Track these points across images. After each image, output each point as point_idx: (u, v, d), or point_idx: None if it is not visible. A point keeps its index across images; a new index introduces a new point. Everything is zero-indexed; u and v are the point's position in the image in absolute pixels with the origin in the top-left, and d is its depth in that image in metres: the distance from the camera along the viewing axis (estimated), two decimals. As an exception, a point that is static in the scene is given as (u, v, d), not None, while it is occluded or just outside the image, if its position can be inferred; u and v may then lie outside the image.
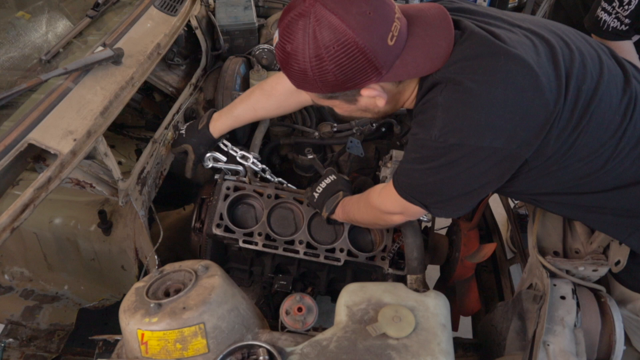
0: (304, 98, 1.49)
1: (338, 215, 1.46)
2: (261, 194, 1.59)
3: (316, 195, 1.50)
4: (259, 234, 1.54)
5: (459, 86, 1.00)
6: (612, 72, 1.12)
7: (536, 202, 1.29)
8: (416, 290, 1.16)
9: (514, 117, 0.99)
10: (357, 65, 0.99)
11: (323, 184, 1.50)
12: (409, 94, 1.14)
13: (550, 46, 1.06)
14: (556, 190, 1.18)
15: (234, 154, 1.65)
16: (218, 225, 1.53)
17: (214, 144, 1.63)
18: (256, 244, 1.53)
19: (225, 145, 1.65)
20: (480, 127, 0.99)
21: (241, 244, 1.53)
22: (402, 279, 1.50)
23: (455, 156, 1.02)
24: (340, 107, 1.16)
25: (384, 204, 1.25)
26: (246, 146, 1.75)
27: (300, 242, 1.53)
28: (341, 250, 1.53)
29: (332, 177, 1.51)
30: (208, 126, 1.60)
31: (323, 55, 0.98)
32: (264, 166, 1.68)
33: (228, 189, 1.58)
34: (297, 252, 1.54)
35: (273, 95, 1.53)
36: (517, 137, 1.01)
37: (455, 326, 1.65)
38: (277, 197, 1.59)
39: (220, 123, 1.60)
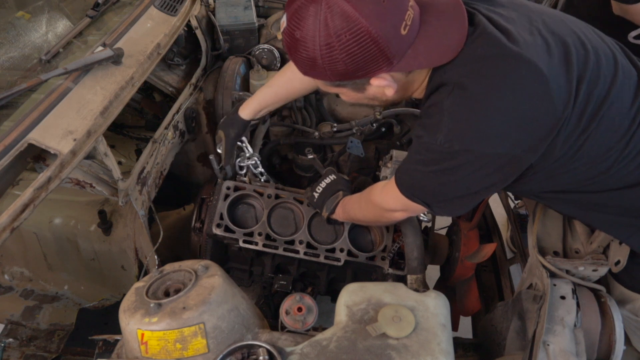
0: None
1: (338, 215, 1.46)
2: (261, 194, 1.59)
3: (316, 195, 1.50)
4: (259, 234, 1.53)
5: (466, 91, 0.98)
6: (626, 74, 1.10)
7: (539, 199, 1.29)
8: (416, 290, 1.16)
9: (521, 123, 0.98)
10: (369, 55, 0.97)
11: (323, 184, 1.50)
12: (419, 84, 1.12)
13: (565, 46, 1.04)
14: (560, 189, 1.18)
15: (245, 152, 1.65)
16: (218, 225, 1.53)
17: (244, 127, 1.61)
18: (256, 244, 1.53)
19: (242, 142, 1.65)
20: (485, 134, 0.98)
21: (241, 244, 1.53)
22: (402, 279, 1.50)
23: (459, 161, 1.02)
24: (347, 94, 1.14)
25: (386, 201, 1.25)
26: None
27: (300, 242, 1.53)
28: (341, 250, 1.53)
29: (332, 176, 1.51)
30: (237, 110, 1.60)
31: (334, 44, 0.95)
32: (261, 169, 1.68)
33: (228, 189, 1.58)
34: (297, 252, 1.53)
35: (296, 79, 1.50)
36: (523, 143, 1.00)
37: (455, 326, 1.65)
38: (277, 197, 1.59)
39: (248, 104, 1.59)
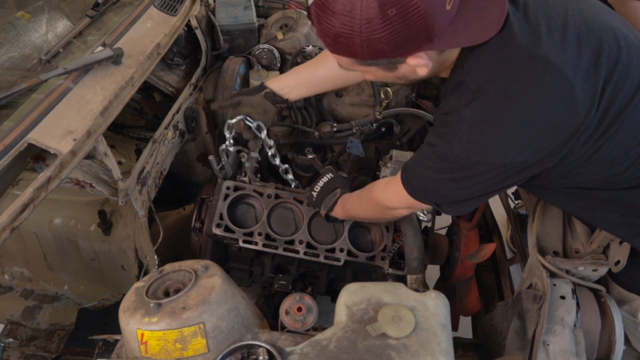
0: (354, 76, 1.44)
1: (337, 213, 1.46)
2: (261, 194, 1.59)
3: (314, 193, 1.50)
4: (259, 234, 1.53)
5: (487, 100, 0.95)
6: None
7: (546, 191, 1.26)
8: (416, 290, 1.16)
9: (542, 131, 0.96)
10: (413, 32, 0.87)
11: (321, 183, 1.50)
12: (450, 64, 1.05)
13: (598, 44, 0.98)
14: (571, 186, 1.17)
15: (250, 124, 1.62)
16: (218, 225, 1.53)
17: (258, 90, 1.58)
18: (256, 243, 1.53)
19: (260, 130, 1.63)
20: (506, 146, 0.96)
21: (241, 244, 1.53)
22: (402, 279, 1.50)
23: (477, 171, 1.00)
24: (374, 73, 1.04)
25: (390, 200, 1.24)
26: (245, 147, 1.75)
27: (300, 242, 1.53)
28: (341, 250, 1.53)
29: (330, 175, 1.51)
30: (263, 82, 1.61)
31: (376, 19, 0.85)
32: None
33: (228, 188, 1.58)
34: (297, 252, 1.53)
35: (323, 65, 1.49)
36: (543, 151, 0.98)
37: (455, 326, 1.65)
38: (277, 197, 1.59)
39: (276, 77, 1.59)
